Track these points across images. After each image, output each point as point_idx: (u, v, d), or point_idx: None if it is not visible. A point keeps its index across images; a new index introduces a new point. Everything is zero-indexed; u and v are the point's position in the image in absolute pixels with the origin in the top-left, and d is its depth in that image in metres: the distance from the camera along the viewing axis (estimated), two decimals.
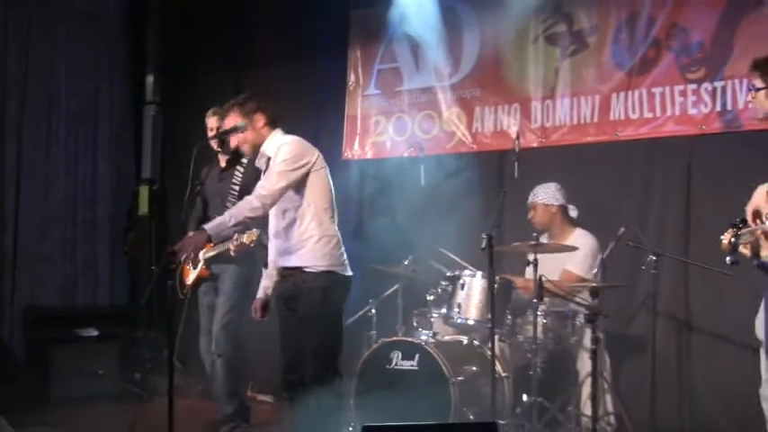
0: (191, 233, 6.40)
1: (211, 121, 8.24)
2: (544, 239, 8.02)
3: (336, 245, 6.27)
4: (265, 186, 6.11)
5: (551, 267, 7.74)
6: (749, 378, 7.72)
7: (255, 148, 6.41)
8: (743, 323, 7.83)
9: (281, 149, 6.23)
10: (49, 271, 10.88)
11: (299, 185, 6.18)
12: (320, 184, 6.28)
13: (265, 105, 6.47)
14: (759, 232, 5.54)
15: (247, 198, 6.18)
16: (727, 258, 5.32)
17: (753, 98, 6.15)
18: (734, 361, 7.91)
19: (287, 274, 6.30)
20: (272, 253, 6.53)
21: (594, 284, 7.22)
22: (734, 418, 7.87)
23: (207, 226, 6.11)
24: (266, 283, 6.60)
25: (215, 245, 7.72)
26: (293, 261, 6.21)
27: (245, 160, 8.12)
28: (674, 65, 8.46)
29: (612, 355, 7.94)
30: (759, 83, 6.02)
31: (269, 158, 6.32)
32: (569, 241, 8.01)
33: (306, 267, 6.15)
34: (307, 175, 6.20)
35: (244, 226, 6.31)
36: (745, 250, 5.59)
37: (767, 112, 6.04)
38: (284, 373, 6.42)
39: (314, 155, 6.31)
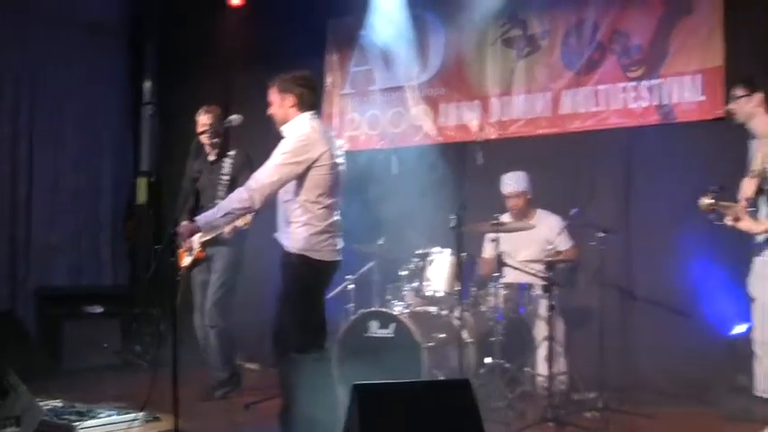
0: (183, 223, 6.25)
1: (202, 119, 8.13)
2: (506, 218, 8.13)
3: (318, 233, 5.89)
4: (257, 178, 5.81)
5: (525, 243, 8.01)
6: (683, 341, 7.92)
7: (281, 125, 6.09)
8: (678, 293, 8.03)
9: (288, 139, 5.93)
10: (58, 255, 10.84)
11: (299, 178, 5.84)
12: (317, 179, 5.86)
13: (301, 89, 6.04)
14: (739, 208, 6.15)
15: (239, 189, 5.94)
16: (712, 217, 6.16)
17: (735, 104, 6.48)
18: (670, 327, 8.08)
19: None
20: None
21: (549, 259, 7.30)
22: (668, 375, 8.10)
23: (198, 218, 5.97)
24: None
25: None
26: (281, 238, 6.03)
27: (232, 152, 8.11)
28: (617, 65, 8.60)
29: (564, 322, 8.03)
30: (740, 91, 6.42)
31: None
32: (534, 220, 8.14)
33: (286, 246, 5.95)
34: (307, 170, 5.84)
35: (233, 217, 6.07)
36: (728, 222, 6.20)
37: (747, 116, 6.41)
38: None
39: (319, 151, 5.84)
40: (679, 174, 8.10)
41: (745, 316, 7.34)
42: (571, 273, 8.30)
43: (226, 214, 5.89)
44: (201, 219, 5.93)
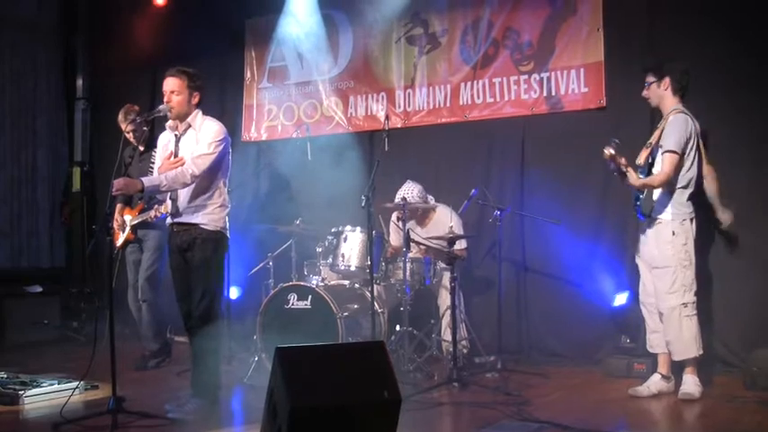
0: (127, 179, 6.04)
1: (123, 126, 7.94)
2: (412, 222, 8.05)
3: (227, 213, 6.11)
4: (198, 164, 5.83)
5: (427, 233, 7.93)
6: (572, 308, 7.94)
7: (181, 116, 6.03)
8: (567, 265, 8.03)
9: (211, 129, 5.99)
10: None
11: (219, 162, 5.96)
12: (227, 165, 6.11)
13: (204, 87, 6.14)
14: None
15: (183, 171, 5.83)
16: (611, 167, 6.31)
17: (648, 90, 6.48)
18: (560, 295, 8.09)
19: (182, 228, 6.02)
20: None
21: (451, 235, 7.21)
22: (560, 339, 8.11)
23: (144, 179, 5.85)
24: None
25: (139, 213, 7.57)
26: (194, 218, 5.97)
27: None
28: (510, 60, 8.55)
29: (465, 292, 7.98)
30: (651, 78, 6.43)
31: (189, 126, 6.04)
32: (437, 216, 8.06)
33: (203, 224, 5.95)
34: (224, 155, 6.00)
35: (171, 191, 5.99)
36: (623, 167, 6.35)
37: (659, 99, 6.44)
38: (186, 318, 6.13)
39: (229, 139, 6.10)
40: (566, 156, 8.10)
41: (625, 285, 7.43)
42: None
43: (168, 190, 5.93)
44: (148, 183, 5.83)
